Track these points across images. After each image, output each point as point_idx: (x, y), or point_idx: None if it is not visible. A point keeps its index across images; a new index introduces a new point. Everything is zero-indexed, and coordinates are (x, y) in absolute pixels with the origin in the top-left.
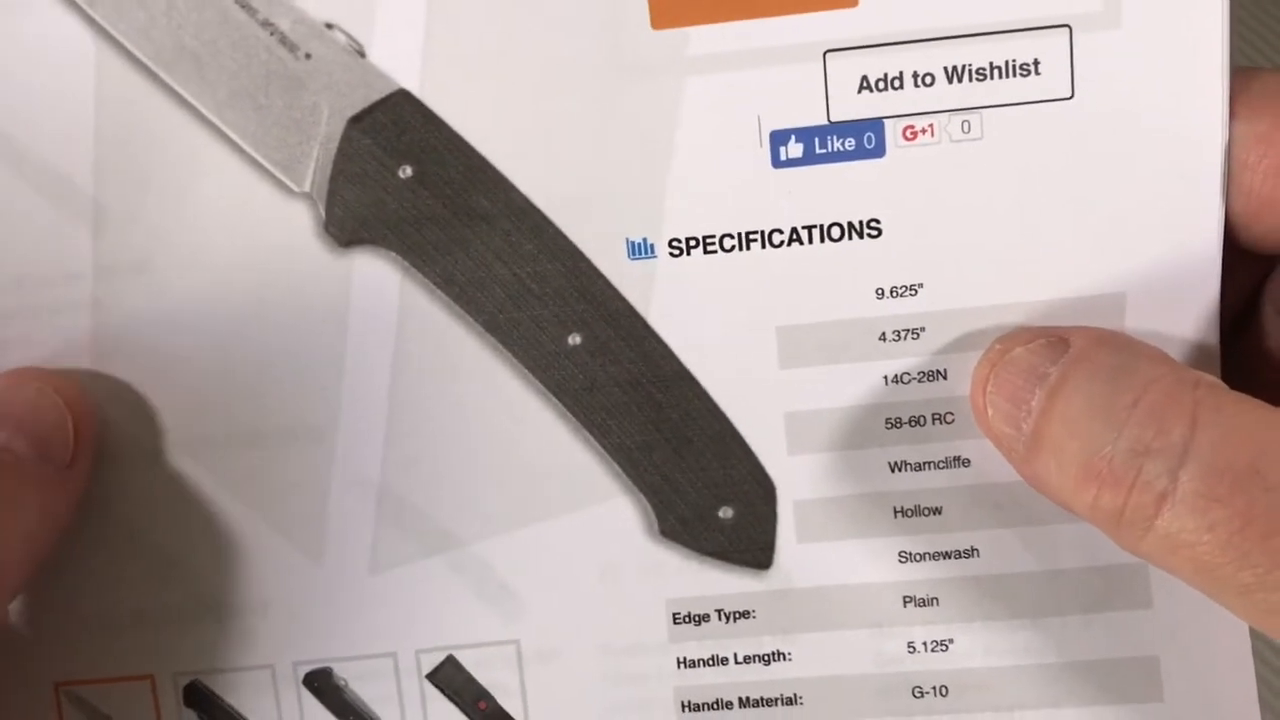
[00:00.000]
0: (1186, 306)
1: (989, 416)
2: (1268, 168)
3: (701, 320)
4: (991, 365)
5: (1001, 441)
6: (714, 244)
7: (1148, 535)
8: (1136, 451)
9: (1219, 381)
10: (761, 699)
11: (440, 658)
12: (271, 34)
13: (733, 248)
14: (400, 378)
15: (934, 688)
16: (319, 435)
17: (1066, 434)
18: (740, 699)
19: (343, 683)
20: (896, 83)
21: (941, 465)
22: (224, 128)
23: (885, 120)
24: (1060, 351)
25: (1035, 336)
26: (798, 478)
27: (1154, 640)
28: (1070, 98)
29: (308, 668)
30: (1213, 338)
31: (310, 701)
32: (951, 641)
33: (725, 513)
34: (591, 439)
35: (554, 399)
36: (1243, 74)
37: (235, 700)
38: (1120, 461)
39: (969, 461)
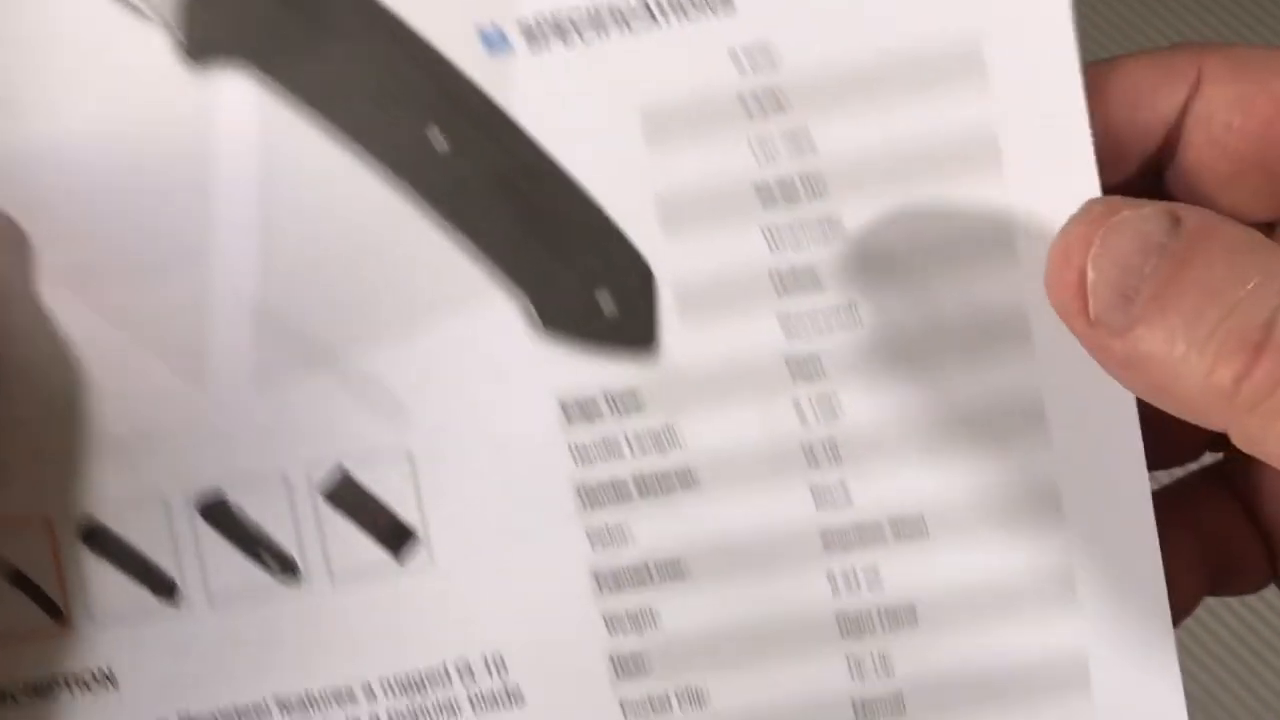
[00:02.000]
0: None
1: (1090, 280)
2: (1250, 129)
3: (563, 111)
4: (1093, 224)
5: (1101, 309)
6: (572, 33)
7: None
8: None
9: None
10: (658, 481)
11: (333, 475)
12: None
13: (591, 38)
14: (269, 192)
15: (825, 451)
16: (192, 256)
17: (1206, 303)
18: (637, 485)
19: (235, 507)
20: None
21: (816, 230)
22: None
23: None
24: (1172, 222)
25: (1139, 204)
26: (674, 258)
27: (1038, 383)
28: None
29: (198, 495)
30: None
31: (206, 531)
32: (839, 404)
33: (605, 301)
34: (465, 240)
35: (423, 203)
36: (1220, 46)
37: (132, 536)
38: None
39: (843, 224)
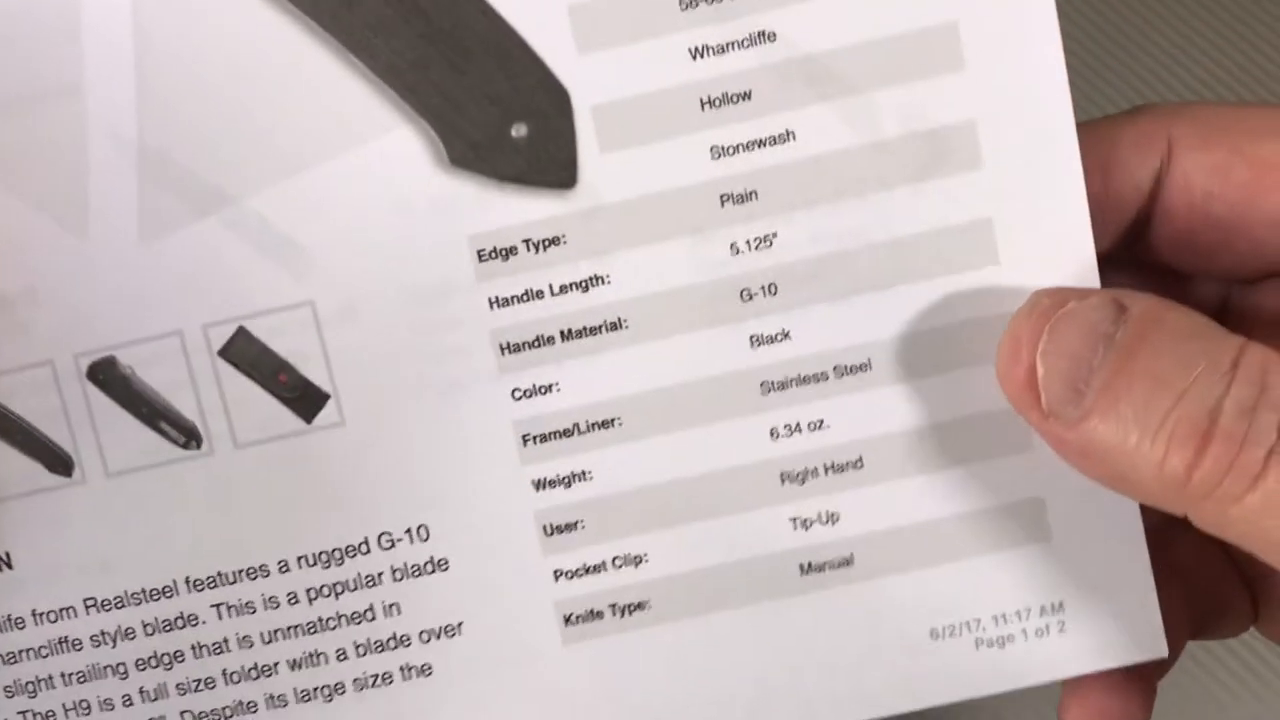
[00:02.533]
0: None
1: (1040, 375)
2: (1231, 196)
3: None
4: (1043, 317)
5: (1053, 402)
6: None
7: (1250, 495)
8: (1245, 409)
9: None
10: (585, 328)
11: (230, 330)
12: None
13: None
14: (144, 18)
15: (762, 287)
16: (65, 93)
17: (1154, 392)
18: (562, 331)
19: (129, 370)
20: None
21: (746, 44)
22: None
23: None
24: (1118, 311)
25: (1084, 294)
26: (592, 80)
27: (987, 203)
28: None
29: (90, 358)
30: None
31: (97, 395)
32: (775, 235)
33: (518, 130)
34: (359, 63)
35: (310, 21)
36: (1184, 108)
37: (17, 404)
38: (1230, 419)
39: (775, 35)
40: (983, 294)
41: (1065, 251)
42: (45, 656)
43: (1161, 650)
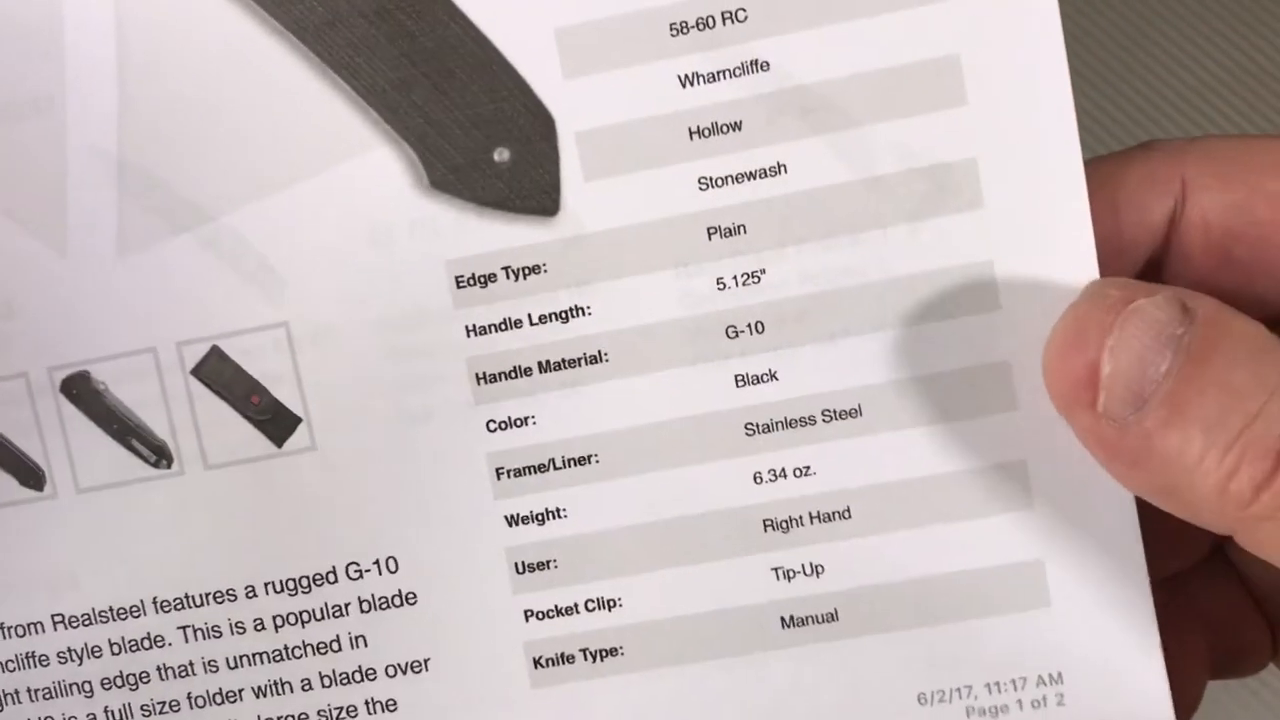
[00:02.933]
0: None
1: (1105, 373)
2: (1252, 235)
3: None
4: (1112, 310)
5: (1113, 404)
6: None
7: None
8: None
9: None
10: (563, 360)
11: (204, 350)
12: None
13: None
14: (127, 32)
15: (749, 324)
16: (46, 106)
17: (1228, 406)
18: (540, 363)
19: (102, 386)
20: None
21: (738, 72)
22: None
23: None
24: (1183, 312)
25: (1150, 290)
26: (578, 105)
27: (989, 246)
28: None
29: (64, 372)
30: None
31: (69, 410)
32: (763, 272)
33: (500, 154)
34: (341, 82)
35: (294, 39)
36: (1195, 144)
37: None
38: None
39: (768, 65)
40: (982, 340)
41: (1071, 297)
42: (12, 671)
43: None
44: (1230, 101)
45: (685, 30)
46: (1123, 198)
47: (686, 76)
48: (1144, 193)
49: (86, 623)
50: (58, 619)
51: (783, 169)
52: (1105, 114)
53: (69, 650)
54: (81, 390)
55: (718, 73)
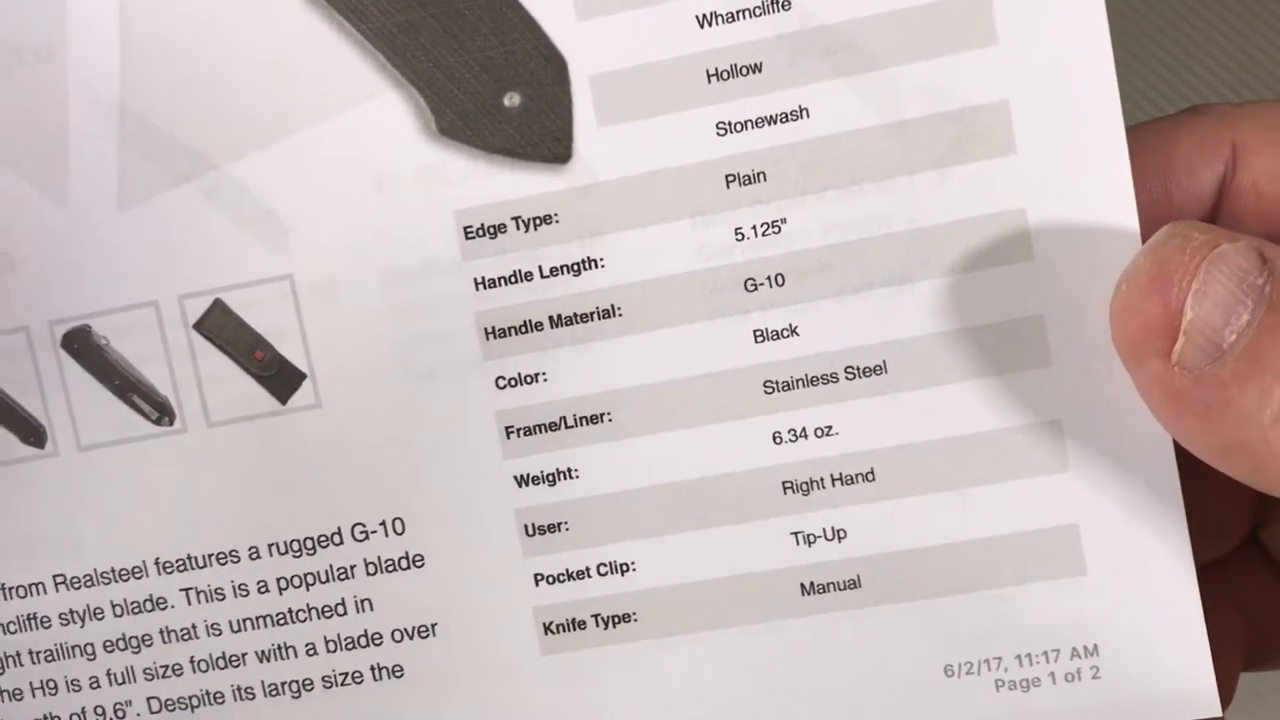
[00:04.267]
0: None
1: (1187, 320)
2: None
3: None
4: (1197, 253)
5: (1190, 353)
6: None
7: None
8: None
9: None
10: (575, 314)
11: (206, 303)
12: None
13: None
14: None
15: (769, 277)
16: (46, 54)
17: None
18: (551, 317)
19: (103, 341)
20: None
21: (758, 11)
22: None
23: None
24: (1262, 262)
25: (1232, 236)
26: (591, 47)
27: (1021, 193)
28: None
29: (64, 327)
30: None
31: (70, 365)
32: (784, 221)
33: (511, 99)
34: (347, 25)
35: None
36: (1247, 109)
37: None
38: None
39: (789, 4)
40: (1014, 293)
41: (1108, 248)
42: (14, 633)
43: (1214, 709)
44: (1230, 101)
45: None
46: (1172, 163)
47: (704, 16)
48: (1194, 158)
49: (89, 584)
50: (59, 580)
51: (805, 113)
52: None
53: (71, 612)
54: (83, 345)
55: (737, 12)
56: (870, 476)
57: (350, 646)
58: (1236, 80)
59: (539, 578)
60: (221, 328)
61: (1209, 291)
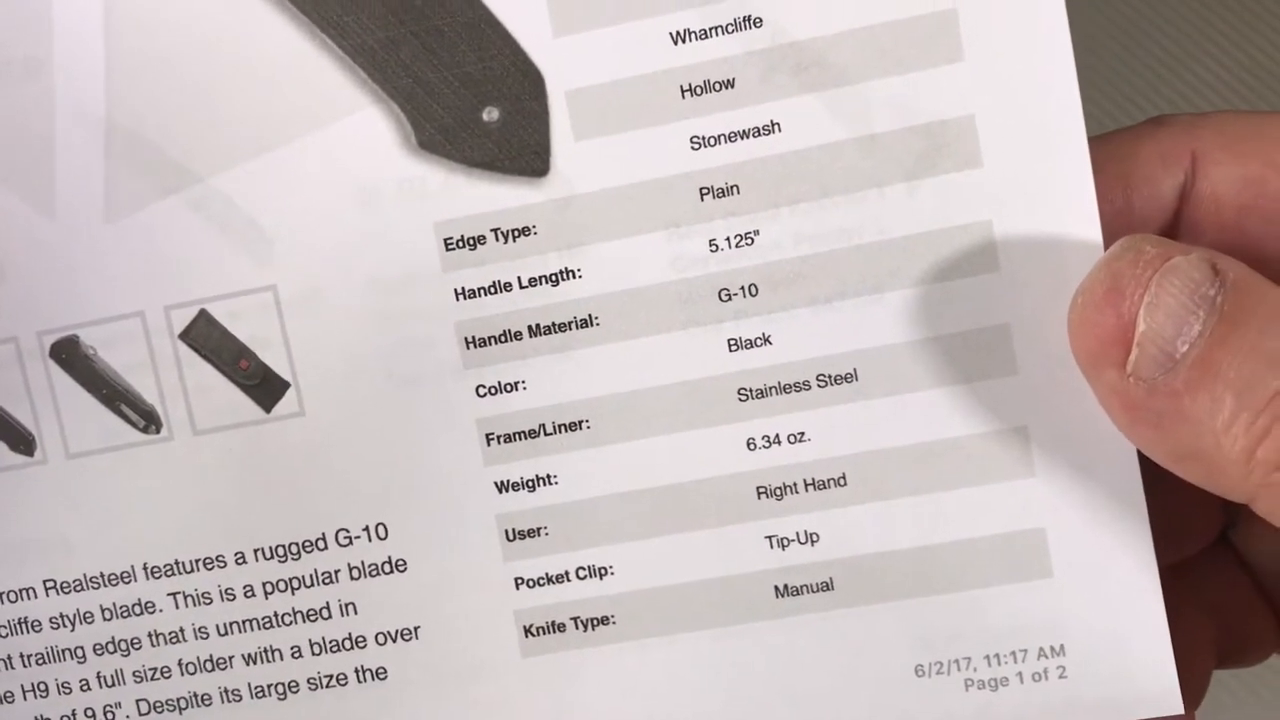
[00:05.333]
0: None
1: (1140, 331)
2: (1266, 209)
3: None
4: (1149, 266)
5: (1144, 364)
6: None
7: None
8: None
9: None
10: (553, 324)
11: (192, 313)
12: None
13: None
14: None
15: (742, 287)
16: (34, 69)
17: (1263, 371)
18: (530, 326)
19: (91, 351)
20: None
21: (730, 29)
22: None
23: None
24: (1214, 273)
25: (1185, 249)
26: (568, 63)
27: (988, 205)
28: None
29: (53, 337)
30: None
31: (59, 375)
32: (757, 233)
33: (489, 114)
34: (329, 41)
35: (283, 0)
36: (1206, 119)
37: None
38: None
39: (761, 21)
40: (981, 302)
41: (1072, 259)
42: (5, 637)
43: (1176, 707)
44: (1231, 101)
45: None
46: (1133, 172)
47: (678, 33)
48: (1155, 167)
49: (79, 588)
50: (50, 585)
51: (776, 127)
52: (1105, 114)
53: (61, 616)
54: (71, 355)
55: (710, 29)
56: (842, 481)
57: (335, 649)
58: (1237, 80)
59: (519, 581)
60: (207, 338)
61: (1161, 303)
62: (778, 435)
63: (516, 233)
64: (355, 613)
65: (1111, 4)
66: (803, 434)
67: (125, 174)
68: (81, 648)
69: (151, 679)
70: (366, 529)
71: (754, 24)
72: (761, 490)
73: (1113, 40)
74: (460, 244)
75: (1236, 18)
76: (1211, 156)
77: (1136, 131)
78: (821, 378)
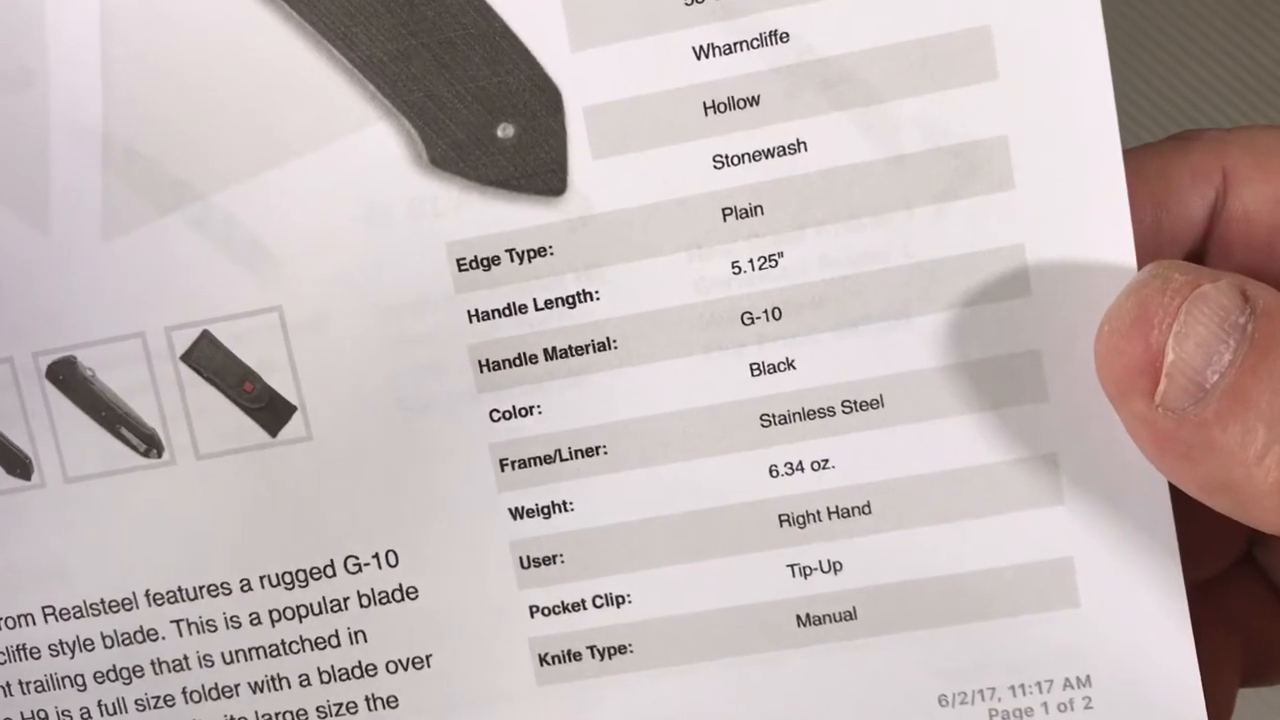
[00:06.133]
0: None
1: (1168, 361)
2: None
3: None
4: (1178, 294)
5: (1173, 394)
6: None
7: None
8: None
9: None
10: (570, 347)
11: (194, 335)
12: None
13: None
14: (111, 3)
15: (766, 310)
16: (28, 80)
17: None
18: (546, 350)
19: (89, 372)
20: None
21: (755, 44)
22: None
23: None
24: (1243, 300)
25: (1213, 275)
26: (586, 78)
27: (1019, 229)
28: None
29: (49, 358)
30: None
31: (56, 397)
32: (781, 255)
33: (504, 130)
34: (336, 53)
35: (286, 7)
36: (1236, 135)
37: None
38: None
39: (787, 36)
40: (1011, 328)
41: (1105, 284)
42: (3, 664)
43: None
44: (1231, 101)
45: None
46: (1163, 191)
47: (701, 48)
48: (1184, 185)
49: (78, 615)
50: (49, 611)
51: (802, 146)
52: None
53: (60, 643)
54: (68, 376)
55: (734, 44)
56: (866, 509)
57: (344, 678)
58: (1237, 80)
59: (534, 609)
60: (210, 360)
61: (1190, 332)
62: (801, 462)
63: (532, 253)
64: (365, 641)
65: (1110, 5)
66: (827, 461)
67: (123, 189)
68: (82, 675)
69: (155, 707)
70: (376, 556)
71: (780, 39)
72: (784, 518)
73: (1113, 41)
74: (474, 265)
75: (1236, 18)
76: (1243, 174)
77: (1165, 148)
78: (846, 403)
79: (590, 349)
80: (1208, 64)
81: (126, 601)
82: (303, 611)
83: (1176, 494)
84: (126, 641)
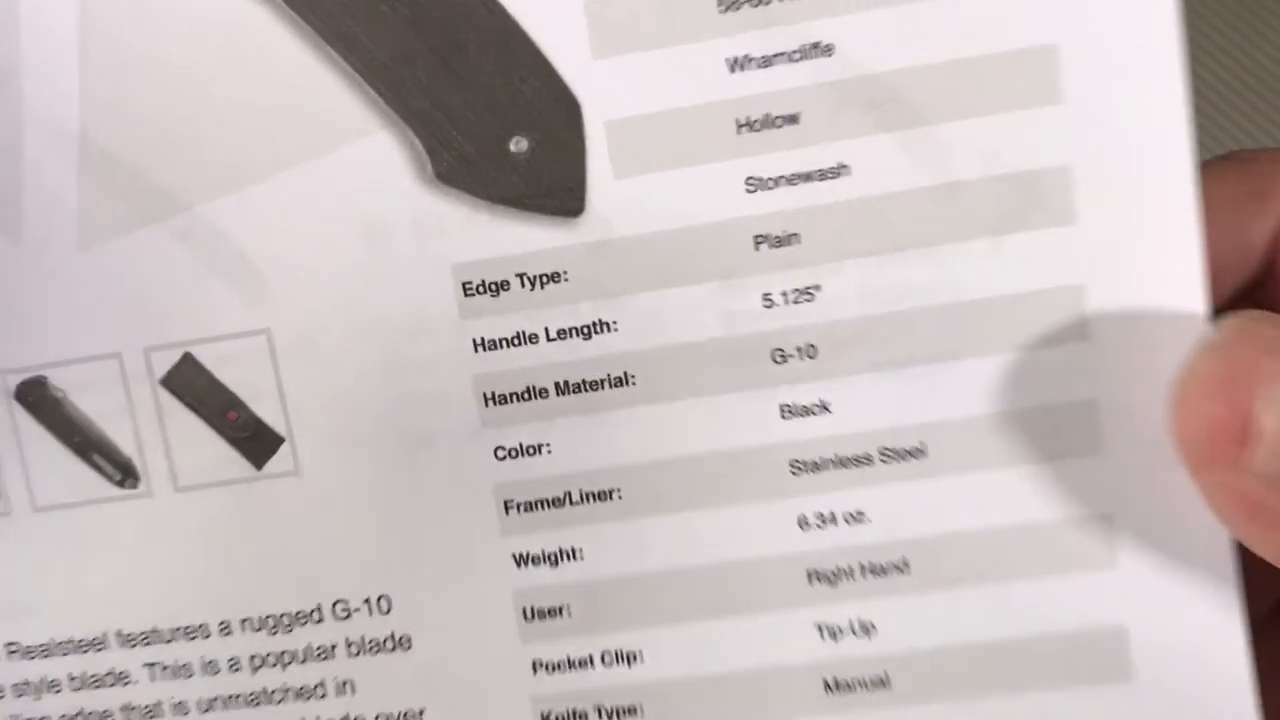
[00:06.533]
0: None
1: (1261, 424)
2: None
3: None
4: (1264, 350)
5: (1269, 459)
6: None
7: None
8: None
9: None
10: (584, 381)
11: (175, 357)
12: None
13: None
14: None
15: (799, 348)
16: (0, 80)
17: None
18: (557, 384)
19: (60, 394)
20: None
21: (796, 56)
22: None
23: None
24: None
25: None
26: (608, 89)
27: (1079, 268)
28: None
29: (18, 378)
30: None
31: (25, 419)
32: (818, 288)
33: (517, 144)
34: (335, 55)
35: (282, 6)
36: None
37: None
38: None
39: (831, 48)
40: (1067, 375)
41: (1171, 332)
42: None
43: None
44: (1231, 101)
45: (736, 5)
46: (1215, 215)
47: (736, 59)
48: (1241, 209)
49: (44, 654)
50: (13, 648)
51: (844, 170)
52: None
53: (25, 683)
54: (38, 398)
55: (772, 56)
56: (903, 567)
57: None
58: (1237, 80)
59: (537, 665)
60: (191, 384)
61: (1277, 393)
62: (833, 513)
63: (545, 279)
64: (353, 692)
65: None
66: (861, 513)
67: (101, 197)
68: (47, 718)
69: None
70: (367, 601)
71: (823, 52)
72: (813, 574)
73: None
74: (481, 289)
75: (1236, 18)
76: None
77: (1217, 167)
78: (885, 452)
79: (605, 384)
80: (1208, 64)
81: (97, 641)
82: (286, 659)
83: None
84: (95, 684)
